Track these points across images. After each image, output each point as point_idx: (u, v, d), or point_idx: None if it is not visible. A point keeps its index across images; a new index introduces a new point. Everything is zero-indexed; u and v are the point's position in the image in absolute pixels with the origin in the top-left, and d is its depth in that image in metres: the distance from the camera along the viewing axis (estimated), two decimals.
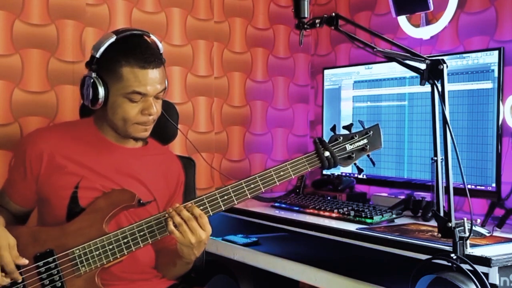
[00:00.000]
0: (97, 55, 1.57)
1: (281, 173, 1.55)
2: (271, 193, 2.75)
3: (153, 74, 1.57)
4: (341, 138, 1.59)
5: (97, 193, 1.59)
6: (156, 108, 1.61)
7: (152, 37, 1.65)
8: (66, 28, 2.26)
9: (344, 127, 1.62)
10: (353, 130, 1.61)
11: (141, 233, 1.52)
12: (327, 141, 1.58)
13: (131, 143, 1.70)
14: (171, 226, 1.49)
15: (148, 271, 1.71)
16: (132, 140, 1.70)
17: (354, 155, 1.59)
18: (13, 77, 2.16)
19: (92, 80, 1.57)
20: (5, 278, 1.47)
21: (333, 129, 1.62)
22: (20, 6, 2.16)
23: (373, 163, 1.64)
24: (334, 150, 1.57)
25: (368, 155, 1.62)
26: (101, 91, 1.57)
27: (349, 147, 1.59)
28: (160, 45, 1.66)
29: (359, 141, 1.60)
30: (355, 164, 1.61)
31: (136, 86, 1.55)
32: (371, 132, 1.61)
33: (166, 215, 1.52)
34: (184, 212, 1.49)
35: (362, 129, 1.62)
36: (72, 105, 2.25)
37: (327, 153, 1.56)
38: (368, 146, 1.60)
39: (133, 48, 1.57)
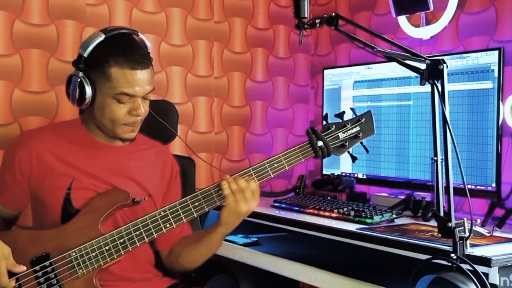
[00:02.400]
0: (85, 54, 1.55)
1: (275, 165, 1.55)
2: (271, 191, 2.75)
3: (142, 75, 1.55)
4: (334, 126, 1.59)
5: (90, 194, 1.58)
6: (144, 109, 1.59)
7: (141, 36, 1.63)
8: (66, 28, 2.26)
9: (336, 115, 1.61)
10: (346, 118, 1.61)
11: (137, 232, 1.51)
12: (319, 131, 1.58)
13: (119, 142, 1.69)
14: (227, 190, 1.51)
15: (148, 271, 1.71)
16: (121, 141, 1.68)
17: (347, 143, 1.58)
18: (13, 77, 2.16)
19: (79, 80, 1.55)
20: None
21: (325, 118, 1.61)
22: (20, 6, 2.16)
23: (367, 150, 1.62)
24: (327, 139, 1.57)
25: (361, 143, 1.61)
26: (89, 90, 1.55)
27: (342, 135, 1.58)
28: (148, 44, 1.64)
29: (352, 128, 1.59)
30: (348, 152, 1.60)
31: (125, 87, 1.54)
32: (363, 119, 1.60)
33: (164, 212, 1.52)
34: (241, 181, 1.51)
35: (354, 116, 1.61)
36: (72, 105, 2.25)
37: (320, 143, 1.56)
38: (361, 133, 1.59)
39: (123, 48, 1.55)
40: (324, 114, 1.62)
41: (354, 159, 1.62)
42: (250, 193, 1.52)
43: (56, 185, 1.59)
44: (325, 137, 1.57)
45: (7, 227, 1.70)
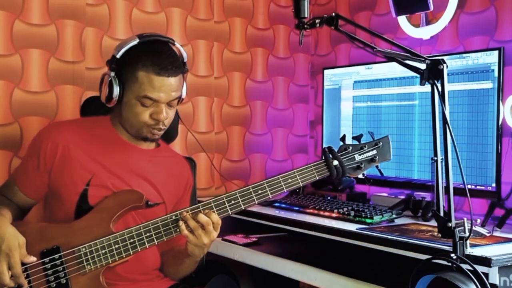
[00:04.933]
0: (118, 56, 1.60)
1: (289, 180, 1.55)
2: None
3: (168, 81, 1.58)
4: (350, 148, 1.59)
5: (107, 192, 1.60)
6: (168, 115, 1.62)
7: (177, 45, 1.66)
8: (66, 28, 2.26)
9: (354, 138, 1.62)
10: (363, 141, 1.61)
11: (148, 234, 1.52)
12: (336, 150, 1.58)
13: (144, 144, 1.72)
14: (185, 230, 1.50)
15: (150, 272, 1.72)
16: (144, 141, 1.70)
17: (363, 166, 1.59)
18: (13, 77, 2.16)
19: (109, 79, 1.59)
20: (11, 280, 1.47)
21: (343, 139, 1.62)
22: (20, 6, 2.16)
23: (382, 174, 1.64)
24: (343, 160, 1.57)
25: (377, 166, 1.62)
26: (116, 90, 1.59)
27: (358, 157, 1.59)
28: (184, 53, 1.67)
29: (368, 151, 1.60)
30: (363, 174, 1.61)
31: (149, 92, 1.57)
32: (381, 143, 1.61)
33: (176, 216, 1.52)
34: (201, 217, 1.49)
35: (371, 140, 1.62)
36: (72, 105, 2.26)
37: (335, 162, 1.56)
38: (377, 157, 1.60)
39: (153, 54, 1.59)
40: (341, 135, 1.63)
41: (368, 181, 1.62)
42: (211, 227, 1.50)
43: (75, 179, 1.61)
44: (341, 157, 1.57)
45: (20, 216, 1.70)
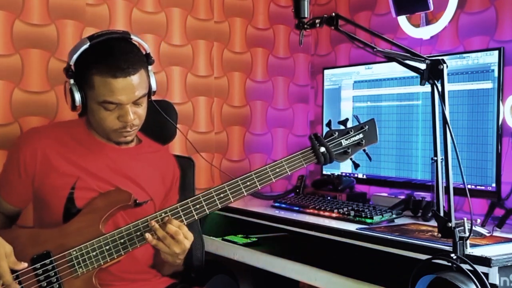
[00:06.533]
0: (71, 63, 1.56)
1: (277, 170, 1.55)
2: (271, 192, 2.75)
3: (127, 82, 1.52)
4: (337, 133, 1.59)
5: (93, 194, 1.59)
6: (136, 114, 1.57)
7: (135, 38, 1.60)
8: (66, 28, 2.26)
9: (339, 122, 1.61)
10: (349, 125, 1.61)
11: (138, 233, 1.51)
12: (322, 137, 1.58)
13: (123, 143, 1.69)
14: (154, 240, 1.49)
15: (147, 271, 1.72)
16: (117, 145, 1.68)
17: (350, 150, 1.59)
18: (13, 77, 2.16)
19: (70, 87, 1.56)
20: None
21: (329, 124, 1.62)
22: (20, 6, 2.16)
23: (370, 158, 1.64)
24: (330, 146, 1.57)
25: (364, 150, 1.62)
26: (77, 98, 1.56)
27: (344, 142, 1.59)
28: (145, 45, 1.62)
29: (355, 136, 1.60)
30: (351, 159, 1.61)
31: (108, 96, 1.52)
32: (367, 126, 1.61)
33: (165, 213, 1.51)
34: (170, 227, 1.48)
35: (357, 124, 1.62)
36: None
37: (322, 149, 1.56)
38: (363, 140, 1.60)
39: (106, 55, 1.52)
40: (327, 120, 1.62)
41: (356, 166, 1.62)
42: (182, 236, 1.48)
43: (60, 184, 1.59)
44: (328, 143, 1.57)
45: (9, 223, 1.70)
